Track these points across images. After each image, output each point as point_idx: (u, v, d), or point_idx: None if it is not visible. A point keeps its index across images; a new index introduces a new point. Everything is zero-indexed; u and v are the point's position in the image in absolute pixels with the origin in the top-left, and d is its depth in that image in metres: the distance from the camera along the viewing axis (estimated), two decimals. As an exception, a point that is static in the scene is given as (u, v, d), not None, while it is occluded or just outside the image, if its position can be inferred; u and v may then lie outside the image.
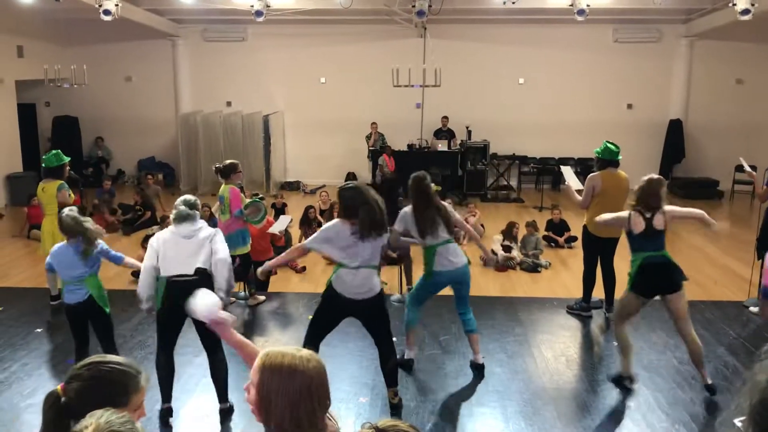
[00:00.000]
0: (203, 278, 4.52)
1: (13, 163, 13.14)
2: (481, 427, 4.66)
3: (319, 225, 9.86)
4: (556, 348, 6.02)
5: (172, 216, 4.74)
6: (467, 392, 5.12)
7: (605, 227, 6.52)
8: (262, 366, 1.92)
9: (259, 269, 5.18)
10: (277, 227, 7.55)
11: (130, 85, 15.40)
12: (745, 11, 9.89)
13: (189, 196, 4.90)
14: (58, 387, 1.98)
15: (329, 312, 4.72)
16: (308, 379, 1.90)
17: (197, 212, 4.78)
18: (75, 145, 14.94)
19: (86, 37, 14.68)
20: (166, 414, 4.67)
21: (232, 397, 4.80)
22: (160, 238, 4.69)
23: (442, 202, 5.42)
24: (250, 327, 6.69)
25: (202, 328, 4.66)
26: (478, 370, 5.50)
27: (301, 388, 1.88)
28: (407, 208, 5.34)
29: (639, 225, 4.94)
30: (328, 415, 2.03)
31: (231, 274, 4.67)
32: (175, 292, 4.42)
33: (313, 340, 4.68)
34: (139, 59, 15.17)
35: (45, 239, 6.96)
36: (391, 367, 4.84)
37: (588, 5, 11.05)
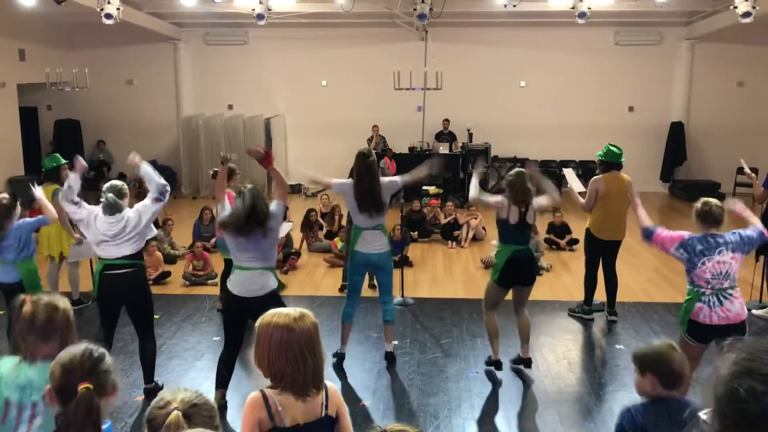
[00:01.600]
0: (134, 267, 4.79)
1: (15, 167, 13.14)
2: (483, 430, 4.65)
3: (321, 228, 9.90)
4: (558, 351, 6.01)
5: (100, 206, 4.80)
6: (469, 395, 5.11)
7: (604, 230, 6.54)
8: (257, 325, 2.28)
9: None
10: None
11: (132, 88, 15.42)
12: (746, 14, 9.89)
13: (116, 182, 4.97)
14: (86, 385, 1.95)
15: (228, 314, 4.89)
16: (288, 333, 2.22)
17: (123, 202, 4.84)
18: (76, 148, 14.92)
19: (88, 41, 14.71)
20: None
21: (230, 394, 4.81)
22: (91, 216, 4.75)
23: (383, 179, 5.43)
24: (250, 330, 6.68)
25: (135, 314, 4.98)
26: (389, 360, 5.67)
27: (281, 341, 2.21)
28: (349, 180, 5.41)
29: (514, 216, 5.13)
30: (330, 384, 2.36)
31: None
32: (108, 283, 4.75)
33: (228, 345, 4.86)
34: (141, 63, 15.19)
35: (41, 242, 6.97)
36: None
37: (589, 8, 11.05)
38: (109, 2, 10.04)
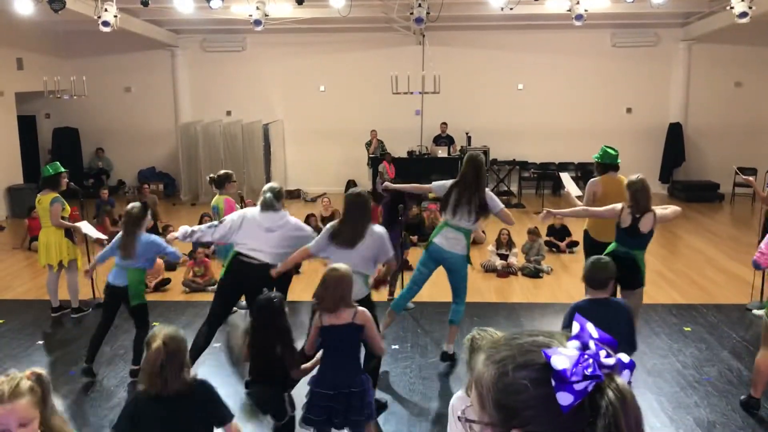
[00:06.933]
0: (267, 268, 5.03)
1: (14, 175, 13.15)
2: (485, 434, 4.63)
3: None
4: (559, 353, 5.99)
5: (259, 201, 5.19)
6: (470, 399, 5.09)
7: (602, 232, 6.54)
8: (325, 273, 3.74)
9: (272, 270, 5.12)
10: None
11: (130, 95, 15.43)
12: (743, 14, 9.90)
13: (274, 184, 5.28)
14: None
15: None
16: (329, 279, 3.65)
17: (281, 202, 5.19)
18: (75, 156, 14.97)
19: (85, 49, 14.72)
20: None
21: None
22: (243, 214, 5.15)
23: (489, 193, 5.52)
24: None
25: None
26: (444, 360, 5.75)
27: (326, 283, 3.66)
28: (450, 181, 5.53)
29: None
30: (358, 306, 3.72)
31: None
32: (239, 268, 5.01)
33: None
34: (139, 70, 15.21)
35: (40, 251, 6.94)
36: (373, 366, 4.76)
37: (586, 10, 11.05)
38: (106, 10, 10.04)
